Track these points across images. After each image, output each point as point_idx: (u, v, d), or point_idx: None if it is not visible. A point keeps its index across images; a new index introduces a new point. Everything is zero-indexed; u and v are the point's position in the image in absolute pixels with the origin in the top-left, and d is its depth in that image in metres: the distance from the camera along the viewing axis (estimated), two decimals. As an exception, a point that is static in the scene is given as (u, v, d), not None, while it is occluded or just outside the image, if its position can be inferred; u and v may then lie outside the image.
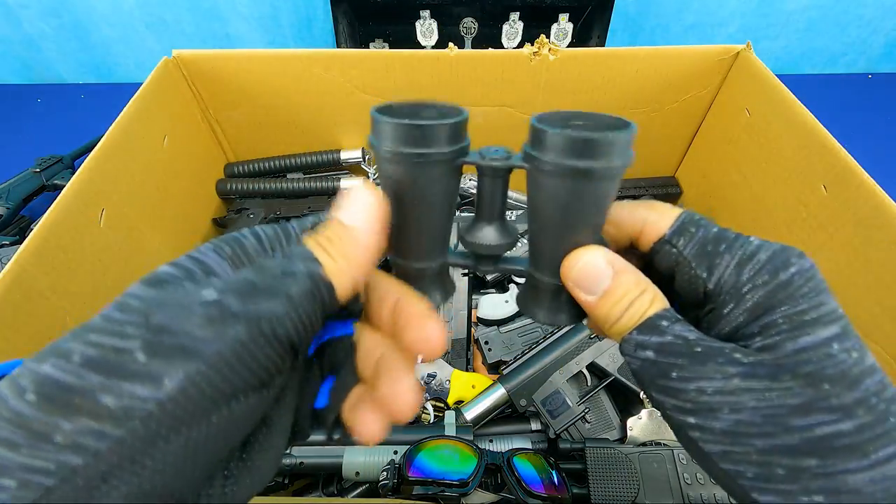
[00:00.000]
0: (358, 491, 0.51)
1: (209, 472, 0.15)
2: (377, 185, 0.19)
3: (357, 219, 0.18)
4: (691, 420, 0.16)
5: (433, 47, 0.95)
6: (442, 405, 0.58)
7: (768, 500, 0.16)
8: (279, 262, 0.16)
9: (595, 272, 0.19)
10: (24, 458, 0.12)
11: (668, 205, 0.20)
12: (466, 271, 0.64)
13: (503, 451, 0.50)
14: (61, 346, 0.13)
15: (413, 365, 0.19)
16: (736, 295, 0.17)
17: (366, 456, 0.48)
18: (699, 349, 0.17)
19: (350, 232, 0.17)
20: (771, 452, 0.15)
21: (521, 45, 0.68)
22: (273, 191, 0.74)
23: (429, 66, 0.63)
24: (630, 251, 0.21)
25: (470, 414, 0.53)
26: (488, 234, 0.21)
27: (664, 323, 0.17)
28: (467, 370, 0.60)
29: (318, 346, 0.19)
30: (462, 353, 0.61)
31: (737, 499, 0.17)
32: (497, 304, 0.66)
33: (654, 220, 0.20)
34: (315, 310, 0.16)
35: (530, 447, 0.52)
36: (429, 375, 0.57)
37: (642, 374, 0.18)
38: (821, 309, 0.16)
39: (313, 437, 0.49)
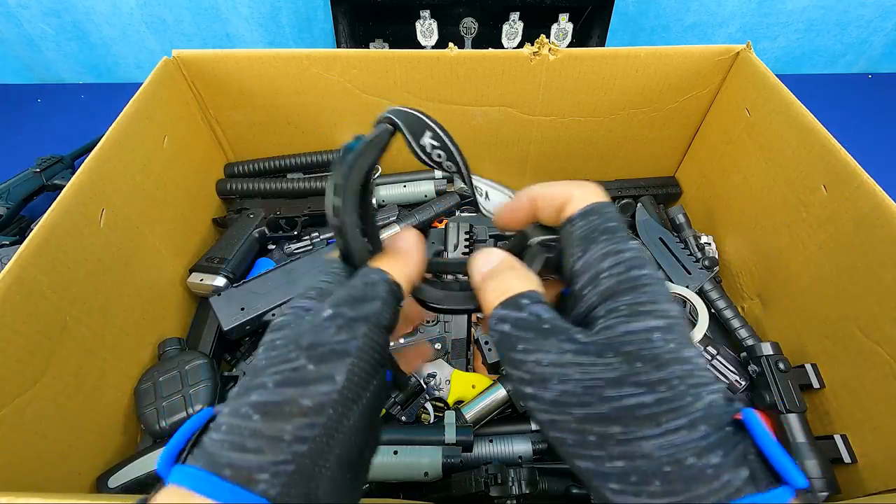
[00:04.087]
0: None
1: (369, 432, 0.20)
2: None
3: (404, 245, 0.23)
4: (528, 390, 0.18)
5: (433, 47, 0.95)
6: (442, 405, 0.58)
7: (584, 466, 0.17)
8: (360, 280, 0.21)
9: (488, 256, 0.23)
10: (269, 457, 0.16)
11: (596, 187, 0.22)
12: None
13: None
14: (254, 381, 0.18)
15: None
16: (594, 278, 0.20)
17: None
18: (546, 326, 0.19)
19: (399, 251, 0.23)
20: (586, 420, 0.17)
21: (521, 45, 0.68)
22: (273, 191, 0.74)
23: (429, 66, 0.63)
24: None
25: (470, 414, 0.53)
26: None
27: (525, 301, 0.20)
28: (467, 370, 0.60)
29: None
30: (462, 353, 0.61)
31: (567, 464, 0.19)
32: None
33: (576, 197, 0.22)
34: (395, 302, 0.21)
35: (530, 448, 0.51)
36: (429, 375, 0.57)
37: (499, 345, 0.20)
38: (656, 306, 0.18)
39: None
